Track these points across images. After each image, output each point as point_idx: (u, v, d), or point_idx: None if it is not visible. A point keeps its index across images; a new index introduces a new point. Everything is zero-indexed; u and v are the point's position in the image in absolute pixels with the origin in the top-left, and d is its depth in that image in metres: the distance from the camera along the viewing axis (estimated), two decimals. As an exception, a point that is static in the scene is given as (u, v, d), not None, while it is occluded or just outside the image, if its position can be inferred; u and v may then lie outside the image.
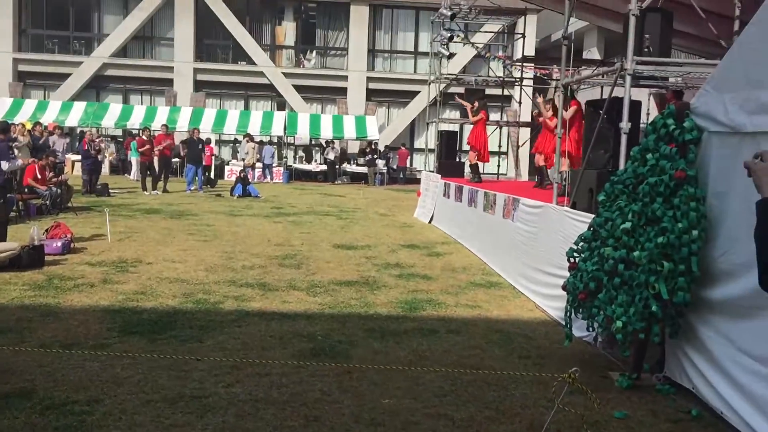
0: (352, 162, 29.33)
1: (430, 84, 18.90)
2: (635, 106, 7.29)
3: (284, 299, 7.85)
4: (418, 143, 31.00)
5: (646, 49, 7.25)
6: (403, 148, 29.54)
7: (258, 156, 26.58)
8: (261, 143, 28.09)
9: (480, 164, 15.16)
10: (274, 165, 27.14)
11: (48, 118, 25.67)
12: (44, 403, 4.59)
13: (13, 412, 4.43)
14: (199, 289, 8.13)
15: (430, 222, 15.53)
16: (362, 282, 8.94)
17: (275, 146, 28.09)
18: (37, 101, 28.57)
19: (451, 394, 5.06)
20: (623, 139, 6.78)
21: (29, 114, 26.65)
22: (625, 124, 6.79)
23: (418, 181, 21.07)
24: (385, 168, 28.56)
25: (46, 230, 10.38)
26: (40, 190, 14.15)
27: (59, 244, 9.97)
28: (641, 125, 7.97)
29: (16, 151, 13.55)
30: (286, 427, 4.38)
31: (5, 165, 11.26)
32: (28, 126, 20.68)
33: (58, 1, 30.52)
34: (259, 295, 8.01)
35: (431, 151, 19.16)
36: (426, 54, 28.81)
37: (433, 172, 17.20)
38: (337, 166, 28.42)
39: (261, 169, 26.30)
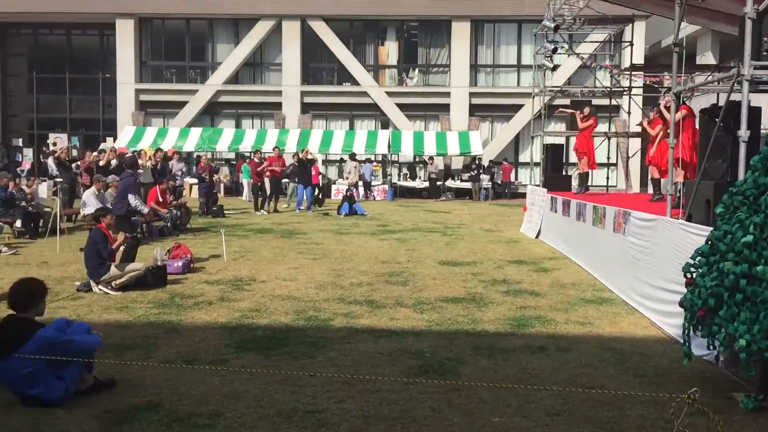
0: (456, 178, 29.32)
1: (534, 97, 18.66)
2: (754, 112, 6.95)
3: (392, 316, 7.94)
4: (523, 157, 30.61)
5: (765, 53, 6.90)
6: (506, 162, 29.24)
7: (360, 174, 27.05)
8: (368, 161, 28.59)
9: (589, 172, 14.83)
10: (373, 183, 27.54)
11: (167, 144, 27.16)
12: (170, 416, 4.86)
13: (142, 423, 4.72)
14: (310, 307, 8.36)
15: (537, 237, 15.28)
16: (469, 299, 8.91)
17: (372, 164, 28.48)
18: (157, 128, 30.30)
19: (563, 413, 4.97)
20: (742, 147, 6.47)
21: (150, 141, 28.29)
22: (743, 132, 6.48)
23: (523, 196, 20.80)
24: (490, 183, 28.34)
25: (168, 251, 10.97)
26: (161, 213, 14.98)
27: (180, 263, 10.52)
28: (762, 132, 7.57)
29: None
30: (397, 443, 4.44)
31: (132, 199, 12.00)
32: (149, 152, 21.97)
33: (175, 34, 32.34)
34: (368, 312, 8.14)
35: (536, 164, 18.87)
36: (529, 67, 28.50)
37: (539, 186, 16.93)
38: (439, 183, 28.46)
39: (362, 187, 26.77)
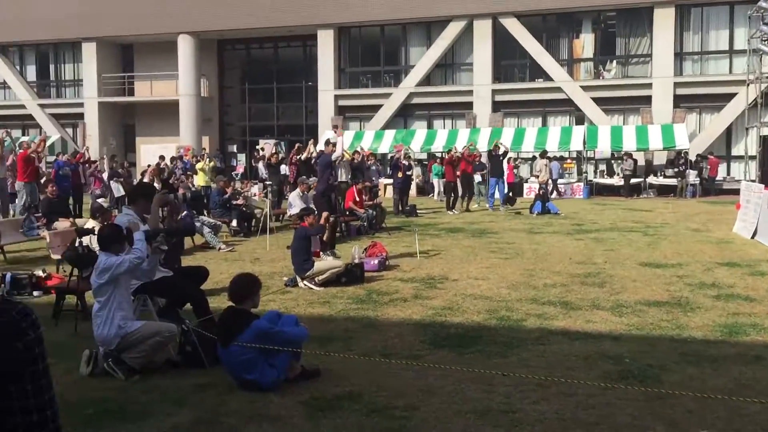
0: (658, 174, 27.63)
1: (748, 84, 17.10)
2: None
3: (588, 318, 7.70)
4: (736, 150, 28.10)
5: None
6: (712, 156, 26.88)
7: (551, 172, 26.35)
8: (560, 158, 27.85)
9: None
10: (567, 181, 26.72)
11: (363, 147, 28.33)
12: (369, 407, 5.10)
13: (344, 412, 5.01)
14: (503, 306, 8.34)
15: (752, 237, 13.99)
16: (673, 303, 8.40)
17: (565, 161, 27.61)
18: (354, 132, 31.72)
19: (782, 430, 4.55)
20: None
21: (348, 144, 29.66)
22: None
23: (733, 192, 19.15)
24: (698, 179, 26.34)
25: (365, 249, 11.47)
26: (359, 213, 15.69)
27: (376, 261, 10.96)
28: None
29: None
30: (594, 449, 4.32)
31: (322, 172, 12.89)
32: (348, 155, 23.04)
33: (371, 41, 33.64)
34: (562, 313, 7.97)
35: (752, 158, 17.27)
36: (743, 52, 26.08)
37: (754, 181, 15.49)
38: (638, 179, 26.95)
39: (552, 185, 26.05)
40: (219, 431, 4.68)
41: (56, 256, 10.20)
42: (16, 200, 16.39)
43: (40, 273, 9.40)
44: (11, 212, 16.34)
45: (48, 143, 32.29)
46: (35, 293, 9.09)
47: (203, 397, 5.35)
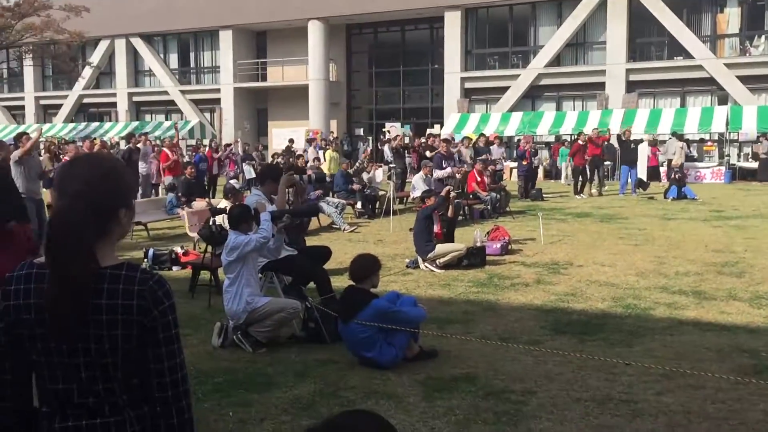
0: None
1: None
2: None
3: (722, 310, 7.28)
4: None
5: None
6: None
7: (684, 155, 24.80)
8: (700, 141, 26.29)
9: None
10: (699, 164, 25.08)
11: (489, 130, 27.99)
12: (486, 389, 5.10)
13: (461, 393, 5.03)
14: (629, 294, 8.04)
15: None
16: (821, 296, 7.77)
17: (701, 144, 25.88)
18: (480, 114, 31.38)
19: None
20: None
21: (473, 127, 29.43)
22: None
23: None
24: None
25: (487, 233, 11.39)
26: (482, 196, 15.56)
27: (498, 245, 10.85)
28: None
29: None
30: (722, 445, 4.11)
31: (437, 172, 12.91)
32: (473, 137, 22.88)
33: (499, 21, 33.07)
34: (694, 303, 7.57)
35: None
36: None
37: None
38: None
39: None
40: (337, 404, 4.84)
41: (193, 234, 10.85)
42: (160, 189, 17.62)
43: (178, 249, 10.05)
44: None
45: (188, 128, 34.37)
46: (174, 268, 9.74)
47: (324, 371, 5.54)
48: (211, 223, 8.27)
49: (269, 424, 4.54)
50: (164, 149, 17.46)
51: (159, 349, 1.87)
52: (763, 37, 28.33)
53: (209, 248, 8.29)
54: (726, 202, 17.76)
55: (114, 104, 40.52)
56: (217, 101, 38.02)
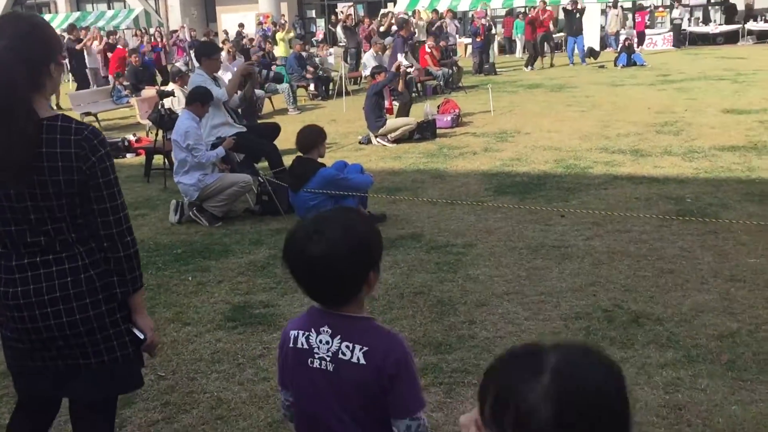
0: (758, 19, 25.66)
1: None
2: None
3: (657, 164, 7.69)
4: None
5: None
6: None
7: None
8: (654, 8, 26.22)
9: None
10: (649, 31, 25.07)
11: (443, 5, 27.46)
12: (430, 244, 5.46)
13: (406, 249, 5.38)
14: (571, 156, 8.39)
15: None
16: (749, 147, 8.21)
17: (653, 10, 25.79)
18: (433, -10, 30.65)
19: (833, 259, 4.60)
20: None
21: (427, 3, 28.83)
22: None
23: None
24: (804, 22, 24.35)
25: (438, 106, 11.55)
26: (434, 72, 15.58)
27: (449, 118, 11.05)
28: None
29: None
30: (638, 276, 4.54)
31: (400, 57, 12.70)
32: (424, 14, 22.51)
33: None
34: (631, 160, 7.96)
35: None
36: None
37: None
38: (734, 26, 25.13)
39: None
40: (290, 265, 5.16)
41: (144, 121, 10.83)
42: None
43: (130, 137, 10.05)
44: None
45: (132, 16, 33.03)
46: (128, 155, 9.79)
47: (278, 239, 5.82)
48: (159, 107, 8.28)
49: (227, 284, 4.85)
50: (118, 46, 17.00)
51: (101, 192, 2.07)
52: None
53: (160, 133, 8.35)
54: (674, 67, 18.05)
55: (51, -5, 38.56)
56: (161, -13, 36.37)
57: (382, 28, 19.28)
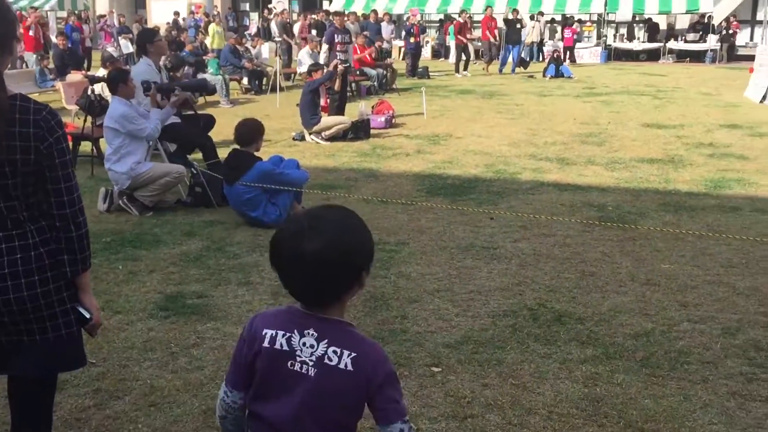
0: (679, 39, 26.92)
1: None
2: None
3: (581, 173, 8.01)
4: (761, 15, 27.14)
5: None
6: (733, 20, 25.94)
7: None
8: (580, 22, 27.11)
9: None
10: (579, 44, 25.99)
11: (379, 7, 27.63)
12: (363, 241, 5.54)
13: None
14: (501, 161, 8.65)
15: (761, 101, 13.97)
16: (667, 160, 8.65)
17: (580, 24, 26.67)
18: (369, -9, 30.79)
19: (739, 265, 4.94)
20: None
21: (363, 4, 28.95)
22: None
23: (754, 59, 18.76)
24: (719, 44, 25.66)
25: (373, 107, 11.67)
26: (369, 72, 15.70)
27: (383, 119, 11.19)
28: None
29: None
30: (562, 278, 4.76)
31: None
32: (360, 14, 22.63)
33: None
34: (557, 168, 8.27)
35: (772, 21, 16.84)
36: None
37: (771, 45, 15.22)
38: (656, 44, 26.29)
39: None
40: (224, 257, 5.16)
41: (71, 106, 10.50)
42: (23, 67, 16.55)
43: (56, 122, 9.72)
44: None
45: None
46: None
47: (211, 231, 5.81)
48: (89, 92, 8.07)
49: (158, 274, 4.81)
50: (30, 22, 16.33)
51: (56, 173, 2.08)
52: None
53: (89, 119, 8.13)
54: (599, 81, 18.76)
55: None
56: (89, -30, 35.20)
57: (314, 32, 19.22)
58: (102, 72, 9.27)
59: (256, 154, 6.07)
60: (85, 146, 8.32)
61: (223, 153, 7.57)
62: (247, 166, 5.82)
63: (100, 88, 8.17)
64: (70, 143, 8.08)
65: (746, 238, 5.35)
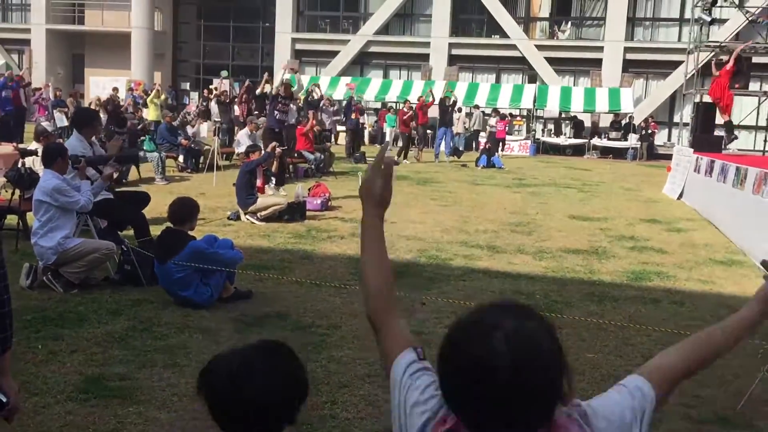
0: (602, 136, 28.44)
1: (689, 53, 17.73)
2: None
3: (510, 261, 8.24)
4: (678, 117, 29.01)
5: None
6: (652, 121, 27.73)
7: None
8: (511, 116, 28.43)
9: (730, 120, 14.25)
10: (509, 137, 27.19)
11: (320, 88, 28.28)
12: (295, 324, 5.53)
13: (271, 327, 5.41)
14: (433, 247, 8.82)
15: (679, 198, 14.78)
16: (591, 251, 9.00)
17: (511, 119, 28.03)
18: (310, 77, 31.56)
19: (658, 356, 5.12)
20: None
21: (303, 89, 29.58)
22: None
23: (671, 157, 19.93)
24: (639, 143, 27.20)
25: (309, 189, 11.79)
26: (307, 155, 15.92)
27: (319, 201, 11.30)
28: None
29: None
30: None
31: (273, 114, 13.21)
32: (302, 98, 23.11)
33: (331, -15, 33.28)
34: (487, 255, 8.48)
35: (686, 125, 18.04)
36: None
37: (686, 146, 16.24)
38: (581, 140, 27.73)
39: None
40: (150, 338, 5.04)
41: (-1, 178, 10.24)
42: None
43: (-20, 194, 9.45)
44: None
45: (-8, 68, 31.34)
46: (-24, 213, 9.18)
47: (138, 309, 5.68)
48: (20, 165, 7.92)
49: (80, 355, 4.65)
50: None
51: None
52: (569, 23, 30.95)
53: (17, 192, 7.95)
54: (528, 172, 19.50)
55: None
56: (27, 42, 35.01)
57: (258, 91, 19.28)
58: (35, 145, 9.13)
59: (190, 233, 6.05)
60: (11, 219, 8.10)
61: (156, 230, 7.50)
62: (180, 244, 5.78)
63: (31, 162, 8.03)
64: (-5, 216, 7.92)
65: (666, 329, 5.56)
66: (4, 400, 2.13)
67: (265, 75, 19.93)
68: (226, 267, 5.86)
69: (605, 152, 27.51)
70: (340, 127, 26.35)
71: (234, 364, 1.66)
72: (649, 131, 27.25)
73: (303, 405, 1.70)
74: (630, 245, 9.49)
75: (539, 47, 30.31)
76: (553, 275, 7.61)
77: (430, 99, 22.21)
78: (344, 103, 27.43)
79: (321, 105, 20.98)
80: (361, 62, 32.88)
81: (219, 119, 20.01)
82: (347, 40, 32.37)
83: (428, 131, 26.05)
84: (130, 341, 4.94)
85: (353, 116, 20.80)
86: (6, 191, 9.41)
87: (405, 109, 22.07)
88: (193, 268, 5.71)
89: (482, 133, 27.85)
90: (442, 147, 21.53)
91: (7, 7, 36.74)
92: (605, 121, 29.29)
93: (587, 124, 29.14)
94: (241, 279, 6.49)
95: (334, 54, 32.38)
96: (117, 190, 7.19)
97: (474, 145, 26.21)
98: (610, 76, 29.36)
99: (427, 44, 31.47)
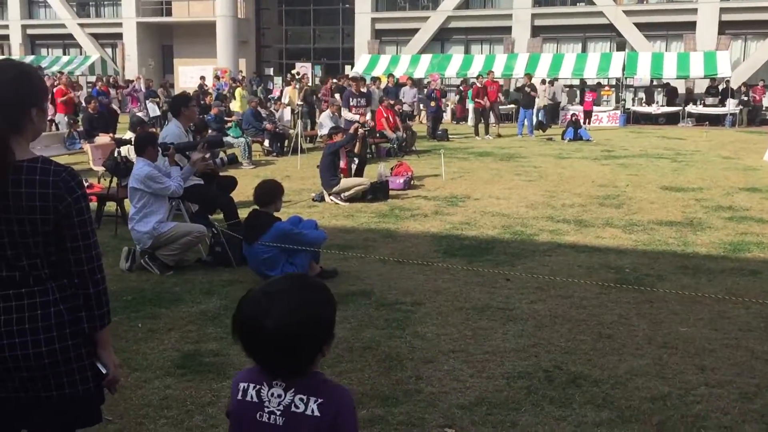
0: (698, 102, 27.16)
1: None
2: None
3: (598, 235, 8.03)
4: (782, 79, 27.36)
5: None
6: (759, 85, 26.29)
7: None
8: (599, 86, 27.55)
9: None
10: (597, 108, 26.30)
11: (399, 71, 28.29)
12: (379, 301, 5.58)
13: (356, 305, 5.49)
14: (518, 223, 8.70)
15: (781, 165, 13.98)
16: (685, 223, 8.65)
17: (599, 89, 27.09)
18: (390, 56, 31.57)
19: (757, 329, 4.90)
20: None
21: (384, 68, 29.63)
22: None
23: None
24: (738, 108, 25.82)
25: (392, 168, 11.84)
26: (389, 135, 15.97)
27: (401, 180, 11.33)
28: None
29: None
30: (578, 340, 4.74)
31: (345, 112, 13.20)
32: (384, 79, 23.17)
33: (409, -38, 33.05)
34: (574, 230, 8.30)
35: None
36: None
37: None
38: (675, 108, 26.55)
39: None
40: (241, 316, 5.20)
41: (97, 168, 10.79)
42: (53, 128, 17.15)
43: (83, 183, 9.98)
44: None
45: (88, 63, 32.94)
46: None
47: (230, 289, 5.88)
48: (116, 154, 8.31)
49: (177, 333, 4.87)
50: (61, 85, 16.94)
51: (74, 231, 2.17)
52: (659, -14, 29.59)
53: (114, 180, 8.35)
54: (617, 144, 18.89)
55: (6, 37, 38.29)
56: (119, 36, 36.55)
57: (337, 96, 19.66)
58: (130, 135, 9.55)
59: (275, 214, 6.19)
60: (110, 206, 8.53)
61: (243, 213, 7.73)
62: (266, 226, 5.93)
63: (126, 151, 8.41)
64: (96, 203, 8.37)
65: (765, 302, 5.30)
66: (104, 371, 2.27)
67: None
68: (310, 246, 5.98)
69: (701, 119, 26.29)
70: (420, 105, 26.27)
71: (258, 294, 1.72)
72: (751, 95, 25.80)
73: (328, 344, 1.72)
74: (727, 215, 9.07)
75: (628, 12, 29.19)
76: (644, 248, 7.37)
77: (487, 79, 21.89)
78: (426, 82, 27.31)
79: (397, 93, 20.94)
80: (442, 38, 32.59)
81: (300, 103, 20.33)
82: (427, 17, 32.13)
83: (510, 106, 25.71)
84: (223, 319, 5.12)
85: (433, 104, 20.68)
86: (104, 179, 9.92)
87: (478, 84, 21.78)
88: (279, 249, 5.85)
89: (569, 106, 27.13)
90: (525, 124, 21.17)
91: (100, 3, 38.38)
92: (700, 87, 27.96)
93: (681, 90, 27.90)
94: (327, 258, 6.60)
95: (414, 32, 32.22)
96: (206, 175, 7.40)
97: (556, 119, 25.61)
98: (704, 39, 27.95)
99: (509, 16, 30.85)
